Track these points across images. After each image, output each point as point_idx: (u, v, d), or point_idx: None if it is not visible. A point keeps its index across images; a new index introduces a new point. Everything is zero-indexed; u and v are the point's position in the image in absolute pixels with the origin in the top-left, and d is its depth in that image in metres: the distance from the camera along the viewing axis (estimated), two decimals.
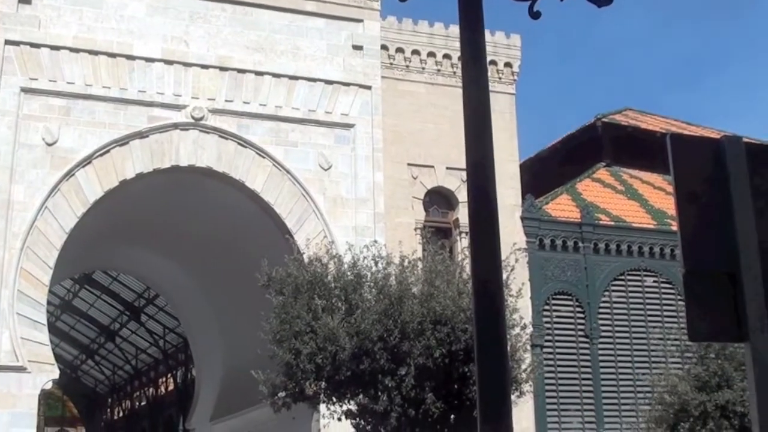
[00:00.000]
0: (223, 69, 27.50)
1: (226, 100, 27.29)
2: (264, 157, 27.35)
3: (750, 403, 6.16)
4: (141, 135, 26.36)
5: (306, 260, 19.95)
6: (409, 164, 29.18)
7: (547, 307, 29.89)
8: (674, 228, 6.49)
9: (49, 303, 51.67)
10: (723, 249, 6.16)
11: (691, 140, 7.02)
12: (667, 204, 32.97)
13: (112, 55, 26.53)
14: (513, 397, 18.62)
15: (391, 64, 29.87)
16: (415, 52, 30.34)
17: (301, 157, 27.68)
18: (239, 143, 27.21)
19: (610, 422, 29.64)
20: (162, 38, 27.07)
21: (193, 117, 26.78)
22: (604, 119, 38.26)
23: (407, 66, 30.20)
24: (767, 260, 6.23)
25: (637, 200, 35.21)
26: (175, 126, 26.73)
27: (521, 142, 31.36)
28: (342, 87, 28.59)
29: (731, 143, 6.38)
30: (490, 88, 25.63)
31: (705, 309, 6.13)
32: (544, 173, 37.49)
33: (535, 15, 7.59)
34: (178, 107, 26.79)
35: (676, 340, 23.53)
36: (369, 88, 28.90)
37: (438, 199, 29.86)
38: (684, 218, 6.15)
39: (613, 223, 32.11)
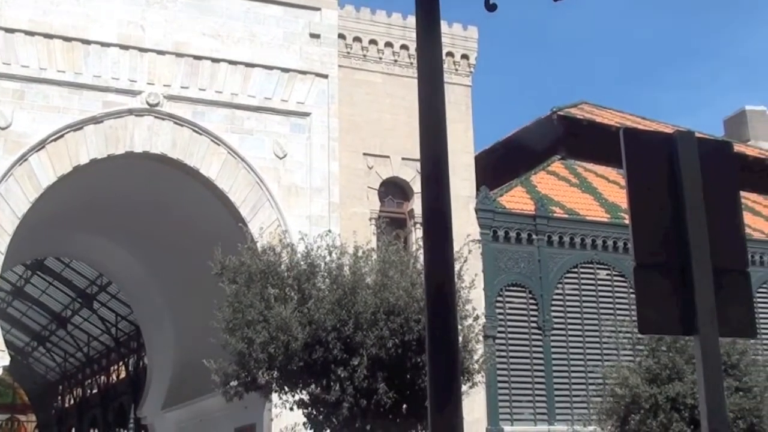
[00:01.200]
0: (179, 55, 27.32)
1: (182, 87, 27.12)
2: (219, 145, 27.21)
3: (699, 396, 6.22)
4: (95, 120, 26.12)
5: (260, 249, 19.87)
6: (364, 154, 29.15)
7: (500, 299, 29.99)
8: (627, 221, 6.51)
9: (0, 289, 51.84)
10: (674, 243, 6.22)
11: (644, 135, 7.08)
12: (621, 197, 33.15)
13: (68, 39, 26.26)
14: (465, 387, 18.75)
15: (348, 53, 29.81)
16: (373, 41, 30.30)
17: (256, 145, 27.56)
18: (194, 130, 27.05)
19: (562, 414, 29.80)
20: (118, 23, 26.83)
21: (148, 103, 26.58)
22: (559, 112, 38.43)
23: (364, 55, 30.15)
24: (717, 254, 6.30)
25: (591, 193, 35.41)
26: (130, 112, 26.51)
27: (477, 134, 31.44)
28: (298, 75, 28.50)
29: (684, 139, 6.44)
30: (447, 80, 25.61)
31: (655, 302, 6.19)
32: (499, 165, 37.59)
33: (491, 7, 7.58)
34: (133, 93, 26.58)
35: (628, 332, 23.66)
36: (326, 76, 28.83)
37: (393, 189, 29.85)
38: (636, 212, 6.21)
39: (566, 215, 32.26)
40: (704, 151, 6.50)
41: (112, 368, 59.31)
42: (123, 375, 56.07)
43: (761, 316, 34.33)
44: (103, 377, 61.22)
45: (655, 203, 6.22)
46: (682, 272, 6.20)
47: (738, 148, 44.66)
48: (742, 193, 37.88)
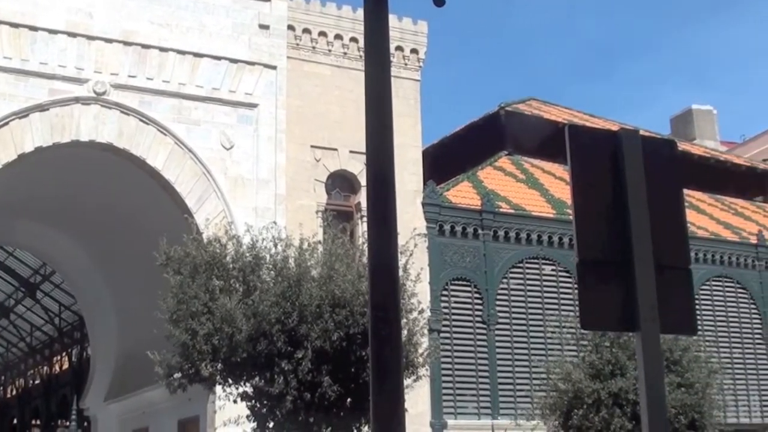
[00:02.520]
0: (127, 44, 27.11)
1: (129, 76, 26.92)
2: (166, 135, 27.05)
3: (639, 391, 6.27)
4: (41, 108, 25.87)
5: (205, 240, 19.76)
6: (312, 146, 29.09)
7: (445, 293, 30.06)
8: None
9: None
10: (616, 239, 6.26)
11: (589, 132, 7.12)
12: (567, 194, 33.02)
13: (15, 26, 25.97)
14: (409, 380, 18.78)
15: (298, 44, 29.72)
16: (322, 33, 30.22)
17: (203, 135, 27.43)
18: (141, 119, 26.87)
19: (505, 408, 29.94)
20: (66, 10, 26.55)
21: (95, 91, 26.37)
22: (507, 108, 38.60)
23: (314, 47, 30.07)
24: (659, 252, 6.35)
25: (537, 189, 35.58)
26: (77, 100, 26.28)
27: (425, 128, 31.51)
28: (247, 66, 28.40)
29: (628, 136, 6.48)
30: (396, 74, 25.52)
31: (597, 298, 6.23)
32: (447, 160, 37.68)
33: (438, 3, 7.57)
34: (80, 81, 26.35)
35: (572, 328, 23.83)
36: (274, 68, 28.75)
37: (340, 182, 29.83)
38: (579, 208, 6.24)
39: (512, 211, 32.38)
40: (648, 149, 6.54)
41: (54, 359, 58.86)
42: (66, 366, 55.65)
43: (704, 313, 34.75)
44: (45, 368, 60.72)
45: (599, 200, 6.26)
46: (625, 269, 6.24)
47: (683, 146, 45.11)
48: (687, 192, 38.21)
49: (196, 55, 27.84)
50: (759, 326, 36.63)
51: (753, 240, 37.74)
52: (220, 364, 18.24)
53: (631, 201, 6.26)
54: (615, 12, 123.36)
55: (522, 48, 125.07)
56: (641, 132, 6.83)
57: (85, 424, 40.94)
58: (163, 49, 27.45)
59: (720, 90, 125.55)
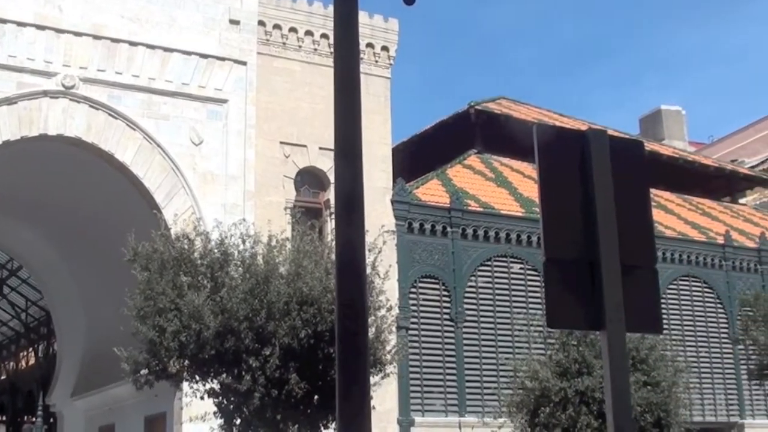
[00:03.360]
0: (96, 37, 26.94)
1: (99, 70, 26.77)
2: (135, 130, 26.92)
3: (605, 389, 6.30)
4: (9, 101, 25.68)
5: (173, 236, 19.70)
6: (281, 143, 29.01)
7: (413, 290, 30.08)
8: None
9: None
10: (583, 239, 6.28)
11: (557, 131, 7.14)
12: (536, 193, 33.12)
13: None
14: (377, 378, 18.80)
15: (268, 40, 29.64)
16: (293, 29, 30.14)
17: (172, 131, 27.31)
18: (110, 114, 26.73)
19: (472, 405, 29.99)
20: (35, 2, 26.34)
21: (63, 85, 26.21)
22: (477, 107, 38.65)
23: (284, 43, 29.99)
24: (625, 251, 6.37)
25: (506, 188, 35.65)
26: (45, 93, 26.11)
27: (395, 126, 31.49)
28: (217, 61, 28.31)
29: (595, 136, 6.51)
30: (366, 71, 25.65)
31: (564, 297, 6.26)
32: (416, 158, 37.73)
33: (408, 1, 7.56)
34: (48, 74, 26.18)
35: (539, 326, 23.89)
36: (244, 63, 28.67)
37: (310, 179, 29.77)
38: (546, 207, 6.26)
39: (481, 209, 32.43)
40: (616, 149, 6.57)
41: (21, 354, 58.52)
42: (32, 361, 55.34)
43: (671, 312, 34.95)
44: (12, 363, 60.35)
45: (566, 199, 6.28)
46: (591, 268, 6.27)
47: (652, 146, 45.35)
48: (655, 192, 38.48)
49: (166, 49, 27.72)
50: (725, 325, 36.85)
51: (720, 240, 37.96)
52: (187, 361, 18.22)
53: (598, 200, 6.29)
54: (586, 12, 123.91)
55: (493, 47, 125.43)
56: (610, 132, 6.86)
57: (51, 420, 40.71)
58: (132, 44, 27.32)
59: (689, 91, 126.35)
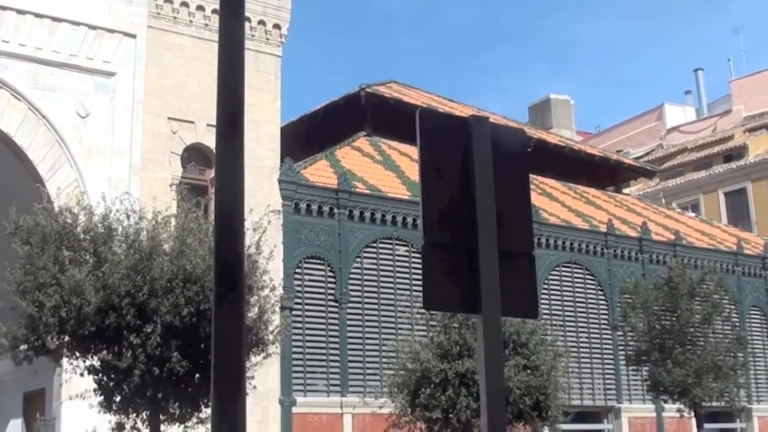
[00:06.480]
0: None
1: None
2: (20, 100, 26.38)
3: (479, 372, 6.41)
4: None
5: (56, 210, 19.39)
6: (169, 118, 28.69)
7: (298, 271, 30.07)
8: None
9: None
10: (463, 223, 6.37)
11: (440, 116, 7.23)
12: None
13: None
14: (259, 358, 18.82)
15: (159, 14, 29.26)
16: (184, 3, 29.76)
17: (58, 102, 26.84)
18: None
19: (355, 386, 30.13)
20: None
21: None
22: (367, 89, 38.80)
23: (175, 18, 29.64)
24: (504, 237, 6.48)
25: (393, 171, 35.85)
26: None
27: (285, 105, 31.44)
28: (106, 33, 27.86)
29: (477, 122, 6.59)
30: (257, 49, 25.53)
31: (441, 279, 6.34)
32: (305, 138, 37.76)
33: None
34: None
35: (422, 309, 24.06)
36: (134, 36, 28.28)
37: (196, 155, 29.51)
38: (427, 191, 6.33)
39: (368, 191, 32.53)
40: (497, 136, 6.66)
41: None
42: None
43: (553, 298, 35.55)
44: None
45: (446, 184, 6.35)
46: (469, 253, 6.36)
47: (539, 134, 46.03)
48: (541, 179, 39.07)
49: (55, 19, 27.15)
50: (605, 312, 37.56)
51: (603, 228, 38.65)
52: (67, 337, 17.97)
53: (477, 186, 6.37)
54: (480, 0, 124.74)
55: (387, 30, 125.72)
56: (498, 119, 6.97)
57: None
58: (20, 12, 26.69)
59: (578, 81, 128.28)
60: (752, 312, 43.05)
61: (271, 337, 19.32)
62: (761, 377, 42.52)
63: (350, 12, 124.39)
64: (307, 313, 30.01)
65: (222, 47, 6.89)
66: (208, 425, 18.51)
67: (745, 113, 69.42)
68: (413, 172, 35.06)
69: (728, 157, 64.08)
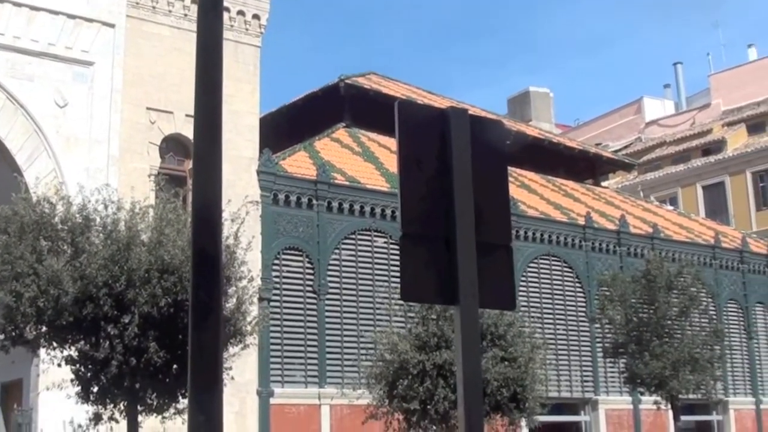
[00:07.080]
0: None
1: None
2: None
3: (456, 363, 6.42)
4: None
5: (34, 200, 19.32)
6: (148, 108, 28.60)
7: (277, 262, 30.05)
8: None
9: None
10: (441, 215, 6.38)
11: (418, 108, 7.21)
12: None
13: None
14: (237, 349, 18.79)
15: (137, 3, 29.13)
16: None
17: (36, 91, 26.73)
18: None
19: (332, 377, 30.14)
20: None
21: None
22: (347, 80, 38.78)
23: (154, 7, 29.53)
24: (482, 229, 6.49)
25: (372, 162, 35.84)
26: None
27: (264, 96, 31.39)
28: (85, 23, 27.74)
29: (456, 114, 6.60)
30: (236, 39, 25.44)
31: (418, 271, 6.34)
32: (284, 129, 37.71)
33: None
34: None
35: (400, 300, 24.07)
36: (113, 26, 28.17)
37: (175, 146, 29.44)
38: (405, 183, 6.33)
39: (347, 183, 32.52)
40: (476, 128, 6.67)
41: None
42: None
43: (531, 290, 35.62)
44: None
45: (424, 176, 6.35)
46: (447, 244, 6.37)
47: (519, 127, 46.09)
48: (520, 172, 39.07)
49: (33, 8, 27.03)
50: (583, 304, 37.69)
51: (581, 221, 38.75)
52: (44, 327, 17.92)
53: (455, 178, 6.38)
54: None
55: (367, 22, 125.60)
56: (476, 111, 6.98)
57: None
58: None
59: (558, 74, 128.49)
60: (729, 305, 43.28)
61: (248, 328, 19.30)
62: (737, 370, 42.79)
63: (330, 3, 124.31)
64: (285, 305, 30.00)
65: (201, 38, 6.88)
66: (186, 416, 18.55)
67: (724, 107, 69.72)
68: (392, 163, 35.06)
69: (706, 150, 64.35)
